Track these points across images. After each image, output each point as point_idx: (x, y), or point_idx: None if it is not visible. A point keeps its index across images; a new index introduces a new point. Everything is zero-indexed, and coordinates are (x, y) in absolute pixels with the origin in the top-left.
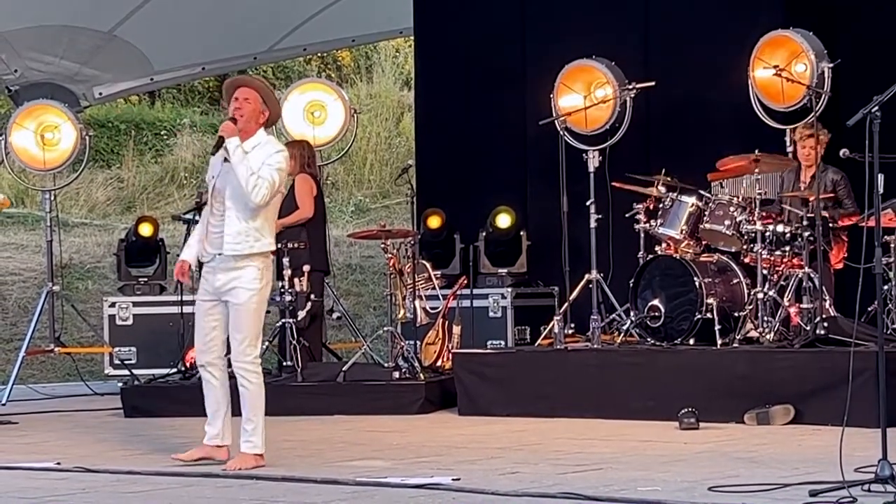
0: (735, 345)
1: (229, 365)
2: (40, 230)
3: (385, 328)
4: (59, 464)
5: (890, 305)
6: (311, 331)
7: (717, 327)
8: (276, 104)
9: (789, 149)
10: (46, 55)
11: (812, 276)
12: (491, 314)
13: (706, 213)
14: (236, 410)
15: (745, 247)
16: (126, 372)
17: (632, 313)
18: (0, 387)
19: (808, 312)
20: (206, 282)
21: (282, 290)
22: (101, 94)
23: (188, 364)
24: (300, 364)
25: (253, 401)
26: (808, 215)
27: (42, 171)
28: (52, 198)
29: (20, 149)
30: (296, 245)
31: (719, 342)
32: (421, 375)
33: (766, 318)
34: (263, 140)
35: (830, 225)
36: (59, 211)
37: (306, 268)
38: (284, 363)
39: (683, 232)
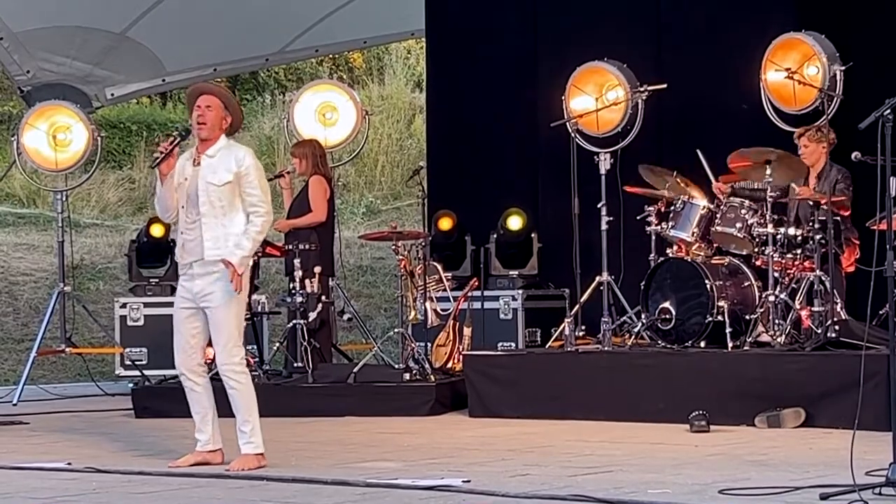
0: (746, 348)
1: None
2: (52, 231)
3: (396, 330)
4: (69, 464)
5: None
6: (321, 332)
7: (728, 330)
8: (238, 110)
9: (800, 152)
10: (58, 56)
11: (823, 279)
12: (502, 316)
13: (718, 215)
14: (223, 413)
15: (756, 249)
16: (137, 372)
17: (643, 316)
18: (11, 387)
19: (820, 315)
20: (183, 289)
21: (292, 291)
22: (112, 94)
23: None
24: (311, 365)
25: (245, 401)
26: (820, 218)
27: (54, 172)
28: (64, 198)
29: (32, 149)
30: (307, 246)
31: (730, 345)
32: (431, 377)
33: (777, 321)
34: (224, 144)
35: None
36: (70, 211)
37: (317, 269)
38: (295, 364)
39: (695, 234)
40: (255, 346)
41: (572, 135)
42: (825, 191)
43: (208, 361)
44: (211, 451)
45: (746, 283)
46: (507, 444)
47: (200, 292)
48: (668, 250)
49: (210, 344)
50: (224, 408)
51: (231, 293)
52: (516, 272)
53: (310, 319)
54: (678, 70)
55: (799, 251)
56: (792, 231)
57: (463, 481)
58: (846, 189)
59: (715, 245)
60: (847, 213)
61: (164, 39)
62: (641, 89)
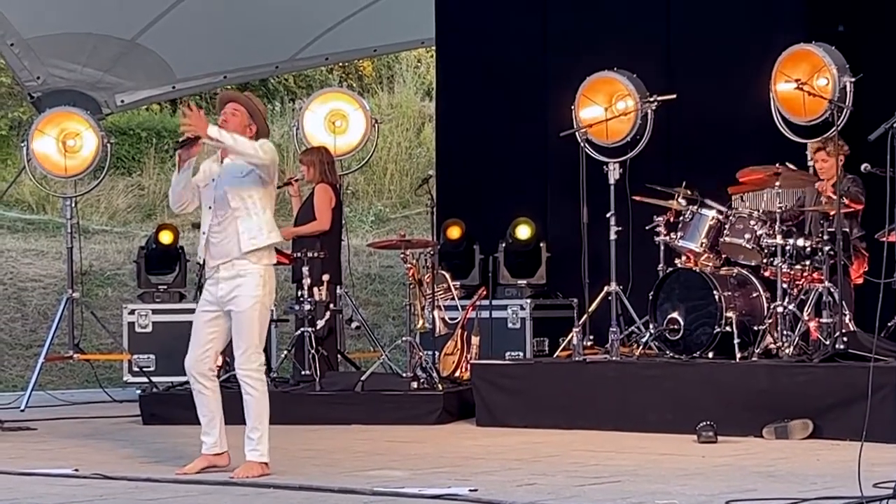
0: (754, 358)
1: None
2: (61, 237)
3: (404, 338)
4: (77, 470)
5: None
6: (328, 340)
7: (736, 341)
8: (264, 122)
9: (810, 163)
10: (69, 62)
11: (832, 290)
12: (510, 325)
13: (726, 226)
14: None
15: (765, 260)
16: (145, 379)
17: (651, 326)
18: (19, 393)
19: (828, 327)
20: (208, 293)
21: (300, 299)
22: (122, 101)
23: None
24: (318, 373)
25: (258, 409)
26: (829, 230)
27: (63, 178)
28: (73, 204)
29: (42, 155)
30: (315, 254)
31: (738, 356)
32: (439, 386)
33: (785, 332)
34: None
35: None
36: (79, 218)
37: (325, 277)
38: (303, 372)
39: (703, 245)
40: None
41: (582, 144)
42: (840, 203)
43: (218, 367)
44: (217, 454)
45: (755, 294)
46: (514, 454)
47: (226, 296)
48: (677, 260)
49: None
50: (231, 416)
51: (256, 297)
52: (524, 281)
53: (318, 327)
54: (688, 80)
55: (808, 262)
56: (801, 242)
57: (470, 490)
58: (859, 191)
59: (723, 256)
60: (860, 207)
61: (175, 46)
62: (651, 99)
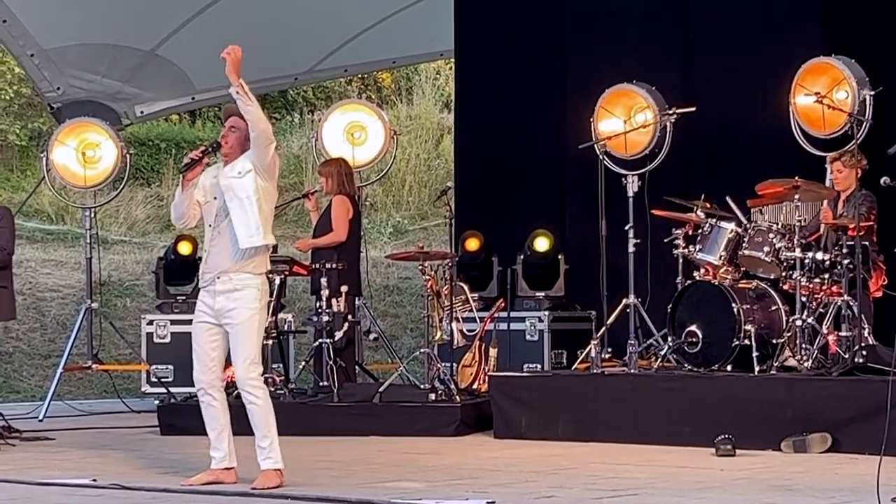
0: (773, 372)
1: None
2: (80, 247)
3: (422, 350)
4: (95, 480)
5: None
6: (346, 351)
7: (754, 354)
8: None
9: (829, 176)
10: (89, 73)
11: (851, 303)
12: (528, 337)
13: (745, 239)
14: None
15: (783, 274)
16: (163, 389)
17: (669, 339)
18: (38, 403)
19: (847, 340)
20: (203, 304)
21: (319, 310)
22: (142, 112)
23: (225, 382)
24: (336, 384)
25: (264, 417)
26: (848, 243)
27: (82, 189)
28: (92, 215)
29: (61, 166)
30: (334, 266)
31: (757, 369)
32: (457, 397)
33: (804, 346)
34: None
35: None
36: (98, 228)
37: (344, 288)
38: (321, 383)
39: (722, 258)
40: (282, 365)
41: (600, 157)
42: (852, 215)
43: (231, 380)
44: (225, 470)
45: (773, 308)
46: (531, 466)
47: (221, 309)
48: (696, 273)
49: (229, 364)
50: (238, 426)
51: (253, 309)
52: (543, 294)
53: (336, 338)
54: (707, 93)
55: (826, 276)
56: (819, 256)
57: (487, 502)
58: (866, 213)
59: (742, 269)
60: (862, 233)
61: (194, 57)
62: (670, 112)
